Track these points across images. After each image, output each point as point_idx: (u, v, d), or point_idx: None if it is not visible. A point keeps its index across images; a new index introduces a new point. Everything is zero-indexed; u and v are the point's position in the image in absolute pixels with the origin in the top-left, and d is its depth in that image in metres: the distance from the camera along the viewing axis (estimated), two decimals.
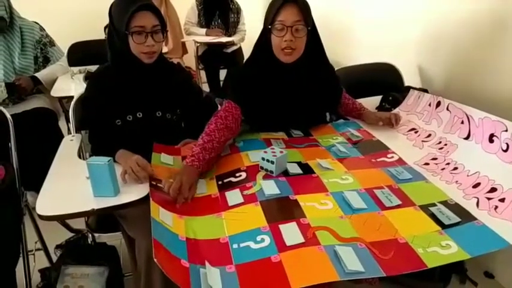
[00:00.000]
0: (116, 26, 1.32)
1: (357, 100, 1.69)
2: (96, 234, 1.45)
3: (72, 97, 1.62)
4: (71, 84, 2.16)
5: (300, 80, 1.43)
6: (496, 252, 1.63)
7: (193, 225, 1.00)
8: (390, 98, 1.80)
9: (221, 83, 3.60)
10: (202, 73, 3.69)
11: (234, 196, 1.10)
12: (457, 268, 1.67)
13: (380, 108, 1.85)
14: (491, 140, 1.19)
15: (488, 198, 1.05)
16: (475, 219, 1.00)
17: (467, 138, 1.28)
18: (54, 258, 1.57)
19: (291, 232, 0.94)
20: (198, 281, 0.82)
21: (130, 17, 1.25)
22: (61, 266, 1.41)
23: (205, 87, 3.63)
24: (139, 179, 1.14)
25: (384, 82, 1.96)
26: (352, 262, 0.84)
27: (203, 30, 3.47)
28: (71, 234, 1.63)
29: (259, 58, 1.43)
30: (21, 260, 1.47)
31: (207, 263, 0.86)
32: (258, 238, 0.93)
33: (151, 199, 1.05)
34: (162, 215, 0.99)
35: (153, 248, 0.85)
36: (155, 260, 0.83)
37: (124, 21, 1.26)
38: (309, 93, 1.46)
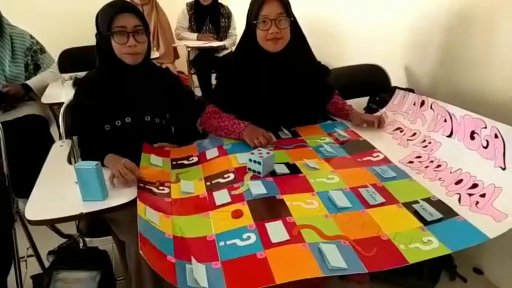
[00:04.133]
0: (100, 30, 1.35)
1: (346, 101, 1.72)
2: (87, 239, 1.45)
3: (63, 103, 1.63)
4: (61, 91, 2.16)
5: (286, 67, 1.50)
6: (484, 249, 1.68)
7: (180, 224, 1.02)
8: (377, 98, 1.84)
9: (213, 86, 3.62)
10: (194, 77, 3.71)
11: (221, 196, 1.12)
12: (446, 265, 1.69)
13: (368, 108, 1.88)
14: (472, 137, 1.21)
15: (470, 194, 1.07)
16: (457, 215, 1.02)
17: (450, 136, 1.30)
18: (47, 265, 1.58)
19: (276, 230, 0.96)
20: (184, 275, 0.84)
21: (112, 18, 1.29)
22: (53, 271, 1.42)
23: (198, 92, 3.65)
24: (127, 182, 1.15)
25: (372, 83, 1.99)
26: (335, 259, 0.86)
27: (194, 35, 3.50)
28: (63, 240, 1.64)
29: (246, 50, 1.51)
30: (13, 266, 1.48)
31: (193, 259, 0.88)
32: (244, 236, 0.95)
33: (138, 199, 1.06)
34: (148, 214, 1.01)
35: (139, 241, 0.87)
36: (141, 252, 0.84)
37: (106, 23, 1.29)
38: (296, 82, 1.52)
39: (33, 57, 2.23)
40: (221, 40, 3.53)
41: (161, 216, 1.03)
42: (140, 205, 1.03)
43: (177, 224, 1.02)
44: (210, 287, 0.82)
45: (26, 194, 1.15)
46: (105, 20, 1.30)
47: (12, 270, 1.48)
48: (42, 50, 2.29)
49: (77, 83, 2.12)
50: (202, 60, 3.53)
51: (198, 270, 0.85)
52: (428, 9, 1.85)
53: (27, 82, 2.15)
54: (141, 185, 1.15)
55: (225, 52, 3.58)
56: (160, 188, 1.18)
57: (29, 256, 1.64)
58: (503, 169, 1.08)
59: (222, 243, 0.94)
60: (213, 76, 3.61)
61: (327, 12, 2.87)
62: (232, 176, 1.23)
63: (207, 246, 0.94)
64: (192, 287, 0.81)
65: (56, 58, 2.55)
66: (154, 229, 0.96)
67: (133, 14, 1.32)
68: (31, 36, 2.23)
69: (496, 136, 1.13)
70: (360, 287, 1.52)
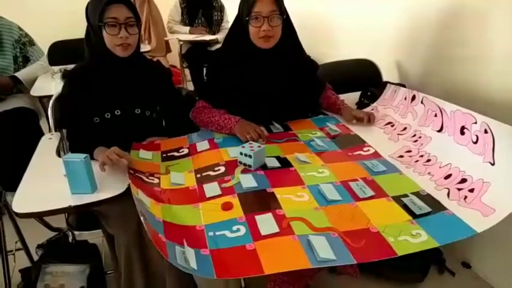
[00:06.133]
0: (90, 21, 1.33)
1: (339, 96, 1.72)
2: (76, 233, 1.43)
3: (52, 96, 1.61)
4: (51, 83, 2.14)
5: (278, 63, 1.49)
6: (472, 243, 1.70)
7: (170, 212, 1.02)
8: (369, 93, 1.84)
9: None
10: (187, 71, 3.69)
11: (211, 188, 1.12)
12: (435, 259, 1.71)
13: (359, 103, 1.88)
14: (462, 132, 1.22)
15: (459, 189, 1.08)
16: (446, 209, 1.02)
17: (440, 130, 1.31)
18: (36, 258, 1.56)
19: (266, 222, 0.96)
20: (174, 254, 0.85)
21: (103, 9, 1.26)
22: (42, 265, 1.41)
23: (190, 86, 3.64)
24: (117, 165, 1.15)
25: (363, 78, 1.99)
26: (324, 250, 0.86)
27: (187, 29, 3.48)
28: (52, 234, 1.62)
29: (236, 46, 1.50)
30: (0, 260, 1.46)
31: (185, 242, 0.88)
32: (234, 228, 0.95)
33: (130, 182, 1.07)
34: (141, 195, 1.02)
35: (139, 213, 0.92)
36: (141, 218, 0.88)
37: (97, 14, 1.27)
38: (287, 78, 1.51)
39: (22, 49, 2.19)
40: (213, 34, 3.51)
41: (151, 202, 1.03)
42: (133, 187, 1.05)
43: (166, 211, 1.02)
44: (198, 270, 0.82)
45: (14, 188, 1.13)
46: (96, 11, 1.28)
47: (0, 264, 1.46)
48: (31, 42, 2.25)
49: (65, 75, 2.09)
50: (194, 54, 3.51)
51: (188, 252, 0.85)
52: (421, 4, 1.85)
53: (16, 74, 2.12)
54: (132, 171, 1.15)
55: (218, 46, 3.54)
56: (150, 178, 1.18)
57: (17, 250, 1.62)
58: (492, 164, 1.08)
59: (211, 234, 0.94)
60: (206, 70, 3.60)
61: (319, 7, 2.86)
62: (222, 169, 1.22)
63: (195, 235, 0.94)
64: (181, 265, 0.82)
65: (45, 51, 2.51)
66: (147, 210, 0.97)
67: (125, 5, 1.30)
68: (19, 28, 2.19)
69: (485, 131, 1.13)
70: (351, 280, 1.53)
